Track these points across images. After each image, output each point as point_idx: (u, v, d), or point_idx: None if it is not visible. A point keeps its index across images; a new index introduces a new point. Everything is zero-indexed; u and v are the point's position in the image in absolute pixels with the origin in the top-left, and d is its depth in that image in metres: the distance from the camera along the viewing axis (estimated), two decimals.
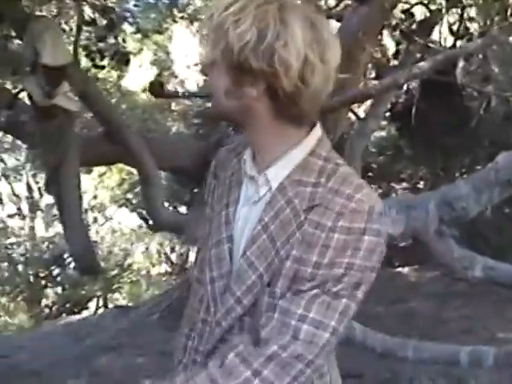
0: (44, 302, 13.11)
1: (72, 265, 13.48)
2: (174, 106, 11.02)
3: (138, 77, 10.95)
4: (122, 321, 6.20)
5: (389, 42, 8.53)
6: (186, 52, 11.23)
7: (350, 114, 7.25)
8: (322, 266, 1.30)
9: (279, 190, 1.35)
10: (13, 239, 13.56)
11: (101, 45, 5.79)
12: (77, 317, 9.52)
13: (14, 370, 5.27)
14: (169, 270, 13.87)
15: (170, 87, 11.25)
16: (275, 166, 1.36)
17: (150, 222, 13.44)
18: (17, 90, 4.23)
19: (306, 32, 1.23)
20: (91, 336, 5.93)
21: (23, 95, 4.03)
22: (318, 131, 1.38)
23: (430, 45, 6.36)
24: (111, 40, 6.20)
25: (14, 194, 14.16)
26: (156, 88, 3.86)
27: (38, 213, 14.05)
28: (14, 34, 4.48)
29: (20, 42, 4.47)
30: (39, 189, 13.91)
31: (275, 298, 1.32)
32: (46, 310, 12.93)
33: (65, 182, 2.83)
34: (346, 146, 6.18)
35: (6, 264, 13.32)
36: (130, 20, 7.66)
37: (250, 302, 1.35)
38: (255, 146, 1.40)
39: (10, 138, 13.12)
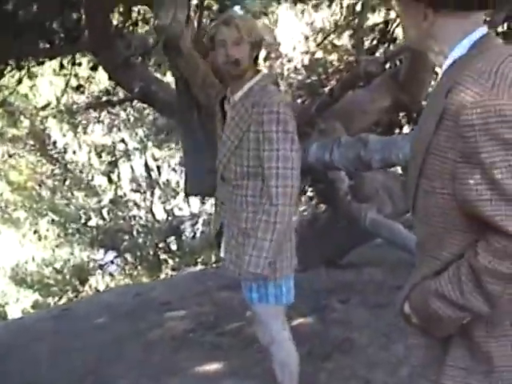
0: (163, 269, 13.82)
1: (190, 234, 14.42)
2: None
3: None
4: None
5: None
6: (291, 33, 11.79)
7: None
8: None
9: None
10: (134, 212, 14.58)
11: None
12: (195, 268, 10.28)
13: (147, 303, 6.08)
14: None
15: (277, 67, 11.95)
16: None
17: None
18: None
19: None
20: (211, 280, 6.68)
21: None
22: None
23: None
24: None
25: (134, 173, 14.98)
26: None
27: (157, 190, 14.84)
28: None
29: None
30: (158, 167, 14.86)
31: None
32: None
33: None
34: None
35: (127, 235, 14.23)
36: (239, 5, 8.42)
37: None
38: None
39: (131, 118, 14.21)
